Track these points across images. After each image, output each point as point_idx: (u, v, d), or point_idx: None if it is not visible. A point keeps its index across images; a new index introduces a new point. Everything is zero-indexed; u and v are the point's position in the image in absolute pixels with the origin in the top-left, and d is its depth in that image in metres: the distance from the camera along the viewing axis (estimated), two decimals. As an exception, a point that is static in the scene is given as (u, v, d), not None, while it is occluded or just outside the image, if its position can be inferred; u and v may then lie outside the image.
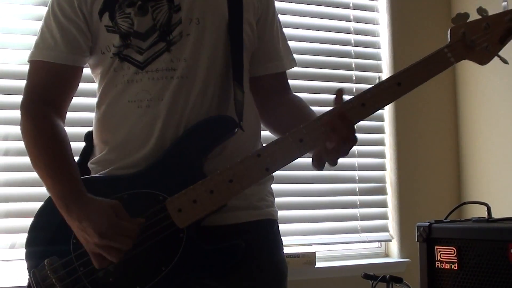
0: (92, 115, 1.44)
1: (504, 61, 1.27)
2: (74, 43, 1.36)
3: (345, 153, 1.25)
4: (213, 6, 1.36)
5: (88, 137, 1.45)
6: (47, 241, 1.31)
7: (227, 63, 1.36)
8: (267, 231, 1.41)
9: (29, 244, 1.34)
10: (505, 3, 1.26)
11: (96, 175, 1.37)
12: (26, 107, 1.37)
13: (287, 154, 1.27)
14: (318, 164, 1.26)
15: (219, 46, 1.36)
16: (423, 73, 1.27)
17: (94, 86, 1.44)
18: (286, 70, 1.53)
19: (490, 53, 1.26)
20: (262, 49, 1.47)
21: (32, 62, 1.40)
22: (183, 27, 1.33)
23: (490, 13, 1.27)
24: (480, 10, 1.26)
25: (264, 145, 1.34)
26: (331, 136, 1.24)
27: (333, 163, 1.26)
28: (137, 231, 1.24)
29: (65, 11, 1.36)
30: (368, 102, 1.27)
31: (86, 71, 1.44)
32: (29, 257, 1.33)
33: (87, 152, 1.44)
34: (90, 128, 1.45)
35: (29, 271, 1.32)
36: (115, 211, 1.23)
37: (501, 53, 1.27)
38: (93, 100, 1.43)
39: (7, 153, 2.35)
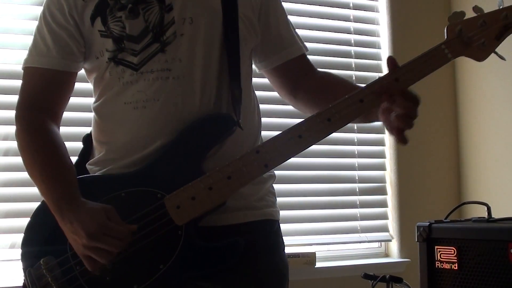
0: (90, 115, 1.44)
1: (501, 58, 1.27)
2: (66, 48, 1.36)
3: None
4: (206, 3, 1.35)
5: (87, 139, 1.45)
6: (43, 240, 1.31)
7: (223, 60, 1.35)
8: (267, 232, 1.40)
9: (25, 244, 1.34)
10: (500, 0, 1.26)
11: (94, 174, 1.36)
12: (20, 114, 1.38)
13: (286, 150, 1.26)
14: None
15: (214, 44, 1.35)
16: (421, 69, 1.27)
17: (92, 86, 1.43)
18: (303, 53, 1.52)
19: (487, 49, 1.26)
20: (273, 40, 1.47)
21: (26, 69, 1.40)
22: (176, 27, 1.32)
23: (486, 11, 1.28)
24: (476, 9, 1.27)
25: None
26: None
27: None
28: (128, 235, 1.23)
29: (56, 18, 1.36)
30: (366, 98, 1.27)
31: (83, 71, 1.43)
32: (25, 257, 1.33)
33: (86, 154, 1.43)
34: (88, 128, 1.45)
35: (24, 271, 1.32)
36: (106, 214, 1.23)
37: (498, 50, 1.27)
38: (91, 100, 1.43)
39: (7, 153, 2.36)
